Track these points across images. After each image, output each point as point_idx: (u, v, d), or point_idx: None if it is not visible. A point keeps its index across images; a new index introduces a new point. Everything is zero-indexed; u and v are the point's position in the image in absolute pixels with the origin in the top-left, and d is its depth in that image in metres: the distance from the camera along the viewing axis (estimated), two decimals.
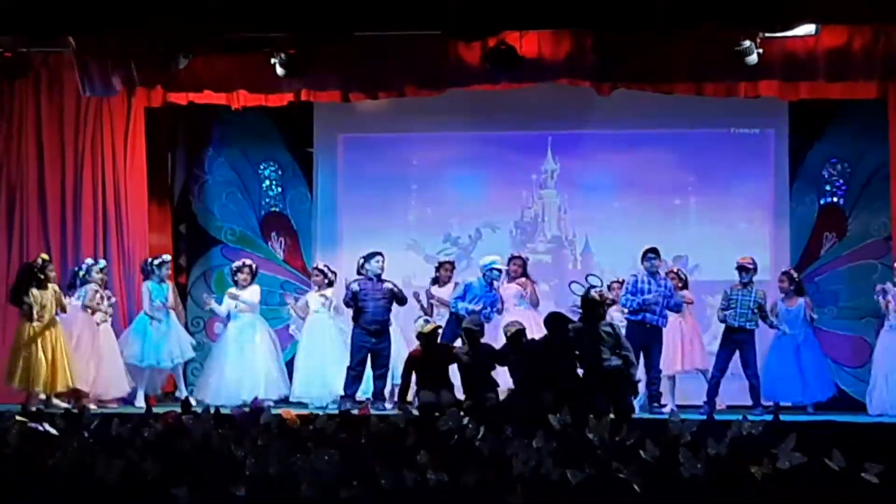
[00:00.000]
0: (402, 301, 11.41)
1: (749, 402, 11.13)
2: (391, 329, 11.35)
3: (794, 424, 7.99)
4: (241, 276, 11.80)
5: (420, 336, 10.51)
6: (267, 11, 10.39)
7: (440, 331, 10.74)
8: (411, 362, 10.52)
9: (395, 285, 11.34)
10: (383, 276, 11.35)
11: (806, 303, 11.44)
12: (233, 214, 13.29)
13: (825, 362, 11.62)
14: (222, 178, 13.30)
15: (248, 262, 11.94)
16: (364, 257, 11.38)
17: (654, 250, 11.30)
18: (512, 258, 11.86)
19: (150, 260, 11.88)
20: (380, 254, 11.36)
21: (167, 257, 11.97)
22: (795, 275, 11.59)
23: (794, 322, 11.37)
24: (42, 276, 10.89)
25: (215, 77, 11.41)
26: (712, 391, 11.14)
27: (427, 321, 10.64)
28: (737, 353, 11.19)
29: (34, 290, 10.83)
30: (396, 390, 11.13)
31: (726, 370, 11.21)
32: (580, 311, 10.41)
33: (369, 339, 11.15)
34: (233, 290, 11.81)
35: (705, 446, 7.17)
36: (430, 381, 10.29)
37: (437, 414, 8.36)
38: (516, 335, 10.23)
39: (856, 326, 12.17)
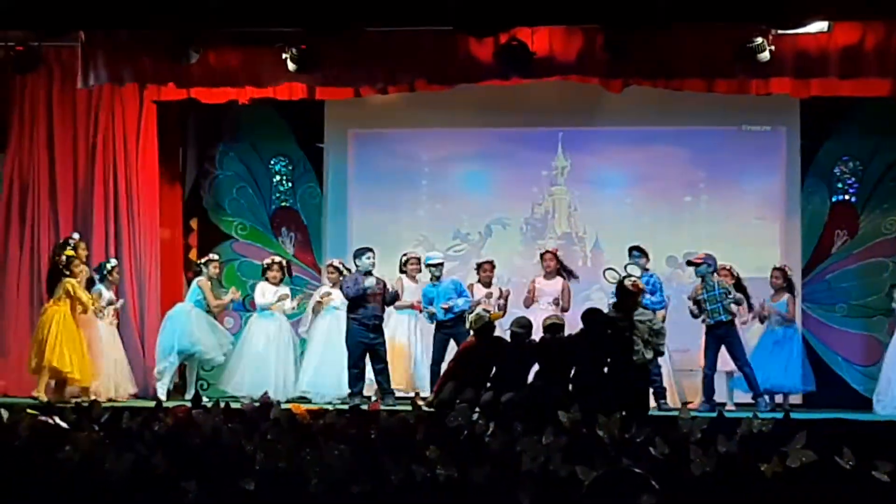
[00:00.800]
0: (391, 301, 11.40)
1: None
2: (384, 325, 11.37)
3: (805, 422, 7.96)
4: (270, 274, 11.83)
5: (487, 325, 10.33)
6: (278, 6, 10.39)
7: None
8: (467, 355, 10.37)
9: (387, 284, 11.36)
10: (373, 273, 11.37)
11: (788, 299, 11.43)
12: (243, 209, 13.31)
13: (802, 359, 11.54)
14: (233, 173, 13.31)
15: (277, 258, 11.98)
16: (355, 253, 11.42)
17: (637, 248, 11.35)
18: (544, 253, 11.89)
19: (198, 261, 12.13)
20: (370, 250, 11.39)
21: (214, 256, 12.10)
22: (789, 272, 11.59)
23: (780, 316, 11.37)
24: (68, 272, 10.93)
25: (226, 72, 11.40)
26: (708, 390, 11.13)
27: (487, 311, 10.52)
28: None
29: (71, 280, 10.86)
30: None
31: (716, 367, 11.20)
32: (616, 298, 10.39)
33: (367, 335, 11.15)
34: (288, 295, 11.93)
35: (715, 444, 7.16)
36: (473, 378, 10.17)
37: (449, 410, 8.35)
38: (550, 328, 10.17)
39: (867, 324, 12.16)
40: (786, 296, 11.47)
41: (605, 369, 9.97)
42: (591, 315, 10.15)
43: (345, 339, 11.27)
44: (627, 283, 10.23)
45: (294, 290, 12.68)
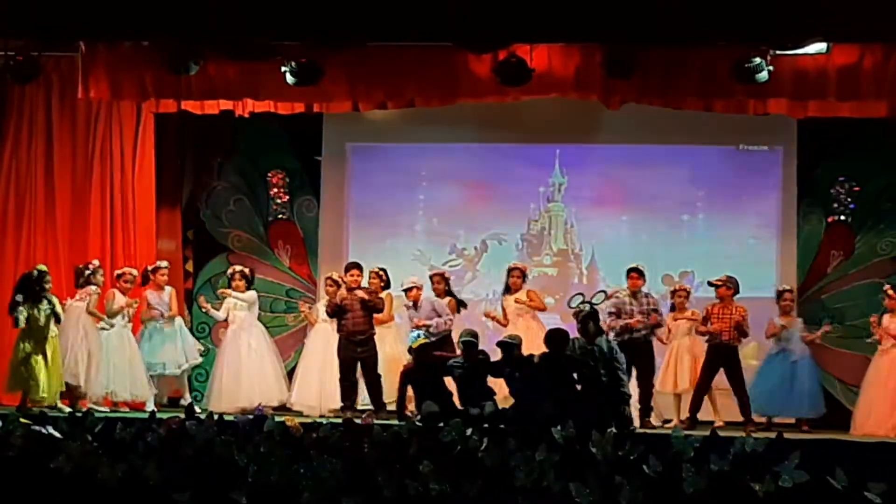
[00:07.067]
0: (375, 309, 11.37)
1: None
2: (375, 337, 11.35)
3: (798, 442, 7.96)
4: (234, 284, 11.84)
5: (410, 350, 10.52)
6: (279, 20, 10.41)
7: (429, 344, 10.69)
8: (404, 376, 10.53)
9: (367, 294, 11.31)
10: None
11: (803, 323, 11.51)
12: (240, 221, 13.29)
13: (818, 382, 11.58)
14: (230, 185, 13.31)
15: (238, 267, 11.98)
16: (345, 268, 11.47)
17: (635, 269, 11.36)
18: (511, 269, 11.82)
19: (147, 267, 11.95)
20: (355, 266, 11.41)
21: (163, 263, 11.99)
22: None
23: (791, 339, 11.40)
24: (37, 288, 10.89)
25: (226, 84, 11.41)
26: (695, 407, 11.15)
27: (417, 336, 10.62)
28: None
29: (25, 306, 10.82)
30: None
31: (709, 386, 11.22)
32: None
33: (354, 349, 11.16)
34: (227, 290, 11.86)
35: (708, 462, 7.16)
36: (426, 393, 10.27)
37: (440, 424, 8.35)
38: (505, 347, 10.22)
39: (861, 345, 12.11)
40: (799, 318, 11.50)
41: (572, 391, 10.07)
42: (554, 337, 10.20)
43: (336, 353, 11.29)
44: (581, 306, 10.42)
45: (289, 304, 12.68)
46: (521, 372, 10.08)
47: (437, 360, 10.51)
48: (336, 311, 11.27)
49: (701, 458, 7.26)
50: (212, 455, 7.55)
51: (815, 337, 11.50)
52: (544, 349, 10.22)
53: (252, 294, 11.87)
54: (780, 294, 11.55)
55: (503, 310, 11.74)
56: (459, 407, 10.17)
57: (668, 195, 12.88)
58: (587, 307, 10.41)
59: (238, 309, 11.80)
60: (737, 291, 11.32)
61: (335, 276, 11.84)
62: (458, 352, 10.66)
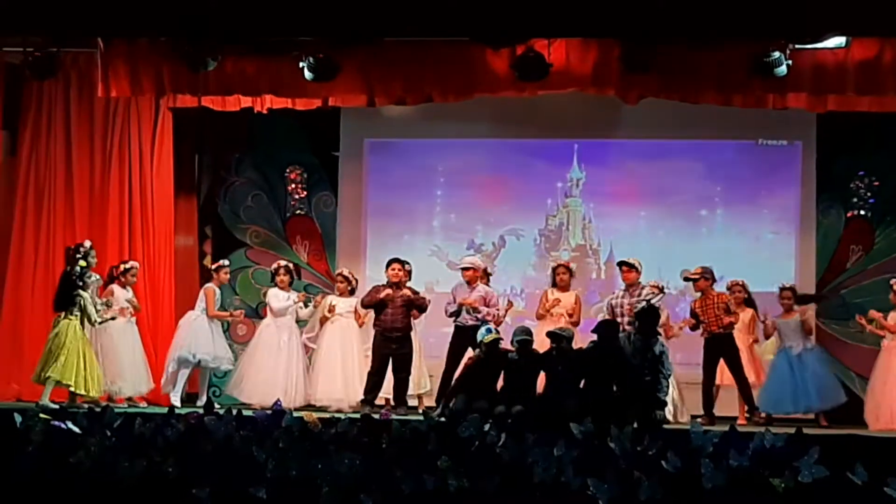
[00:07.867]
0: (420, 309, 11.40)
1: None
2: (412, 334, 11.34)
3: (817, 437, 7.93)
4: (279, 279, 11.84)
5: (481, 345, 10.43)
6: (297, 16, 10.41)
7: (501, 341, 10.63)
8: (468, 370, 10.40)
9: (413, 292, 11.32)
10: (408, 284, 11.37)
11: (805, 318, 11.39)
12: (258, 217, 13.31)
13: (828, 372, 11.49)
14: (248, 181, 13.33)
15: (282, 262, 12.00)
16: (386, 264, 11.43)
17: (623, 262, 11.33)
18: (557, 266, 11.82)
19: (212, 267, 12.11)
20: (397, 261, 11.37)
21: (225, 262, 12.08)
22: (797, 289, 11.57)
23: (792, 335, 11.34)
24: (81, 283, 10.94)
25: (243, 80, 11.41)
26: (707, 403, 11.13)
27: (489, 331, 10.55)
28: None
29: (82, 293, 10.88)
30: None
31: (714, 380, 11.20)
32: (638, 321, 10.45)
33: (390, 346, 11.16)
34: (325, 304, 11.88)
35: (727, 458, 7.15)
36: (481, 390, 10.18)
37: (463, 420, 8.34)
38: (555, 337, 10.20)
39: (880, 340, 12.08)
40: (797, 313, 11.41)
41: (610, 386, 10.02)
42: (605, 328, 10.19)
43: (347, 345, 11.31)
44: (647, 302, 10.45)
45: (307, 300, 12.66)
46: (563, 365, 10.05)
47: (504, 356, 10.38)
48: (377, 306, 11.26)
49: (720, 454, 7.25)
50: (231, 450, 7.58)
51: (809, 325, 11.40)
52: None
53: (306, 311, 11.94)
54: (780, 293, 11.49)
55: (547, 302, 11.68)
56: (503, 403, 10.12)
57: (687, 190, 12.85)
58: (644, 304, 10.45)
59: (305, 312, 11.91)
60: (714, 280, 11.28)
61: (346, 273, 11.86)
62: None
